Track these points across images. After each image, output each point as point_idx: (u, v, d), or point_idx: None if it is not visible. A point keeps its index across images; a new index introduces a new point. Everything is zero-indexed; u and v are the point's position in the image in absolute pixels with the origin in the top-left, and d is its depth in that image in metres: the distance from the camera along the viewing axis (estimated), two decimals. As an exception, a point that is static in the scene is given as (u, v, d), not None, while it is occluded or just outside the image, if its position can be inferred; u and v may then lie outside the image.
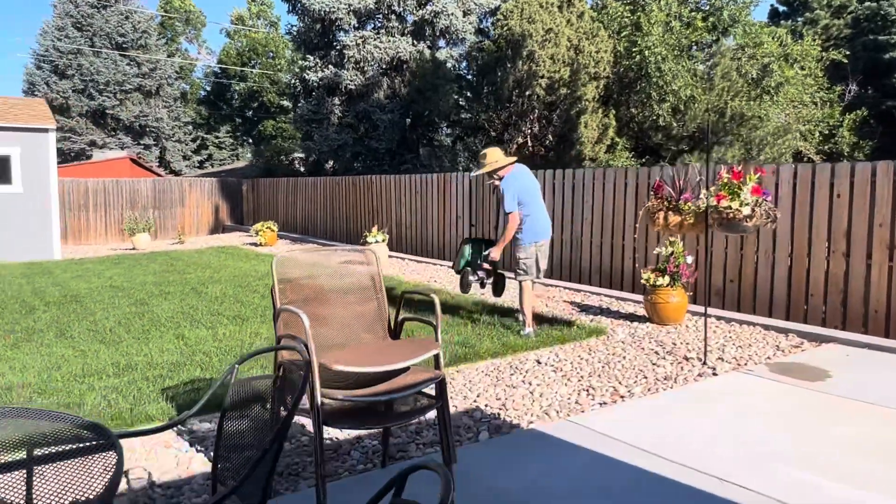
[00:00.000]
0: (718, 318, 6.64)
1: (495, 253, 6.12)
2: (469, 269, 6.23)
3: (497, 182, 6.10)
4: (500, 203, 6.11)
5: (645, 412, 4.12)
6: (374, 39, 18.55)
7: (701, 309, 6.92)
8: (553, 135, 19.55)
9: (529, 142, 20.21)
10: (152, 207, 18.12)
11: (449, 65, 18.85)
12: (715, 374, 4.92)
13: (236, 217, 19.49)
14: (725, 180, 4.82)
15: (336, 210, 15.00)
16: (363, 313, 3.21)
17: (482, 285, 6.42)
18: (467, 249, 6.31)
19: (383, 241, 10.85)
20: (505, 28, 17.85)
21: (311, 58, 19.37)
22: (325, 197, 15.45)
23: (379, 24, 19.25)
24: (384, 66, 18.67)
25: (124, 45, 37.24)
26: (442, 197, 11.80)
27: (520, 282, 6.12)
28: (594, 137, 19.54)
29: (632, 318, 6.71)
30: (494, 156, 6.11)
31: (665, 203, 5.17)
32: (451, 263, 10.45)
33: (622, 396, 4.50)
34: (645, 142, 21.98)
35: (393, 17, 19.08)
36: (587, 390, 4.62)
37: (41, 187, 12.42)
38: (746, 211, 4.64)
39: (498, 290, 6.40)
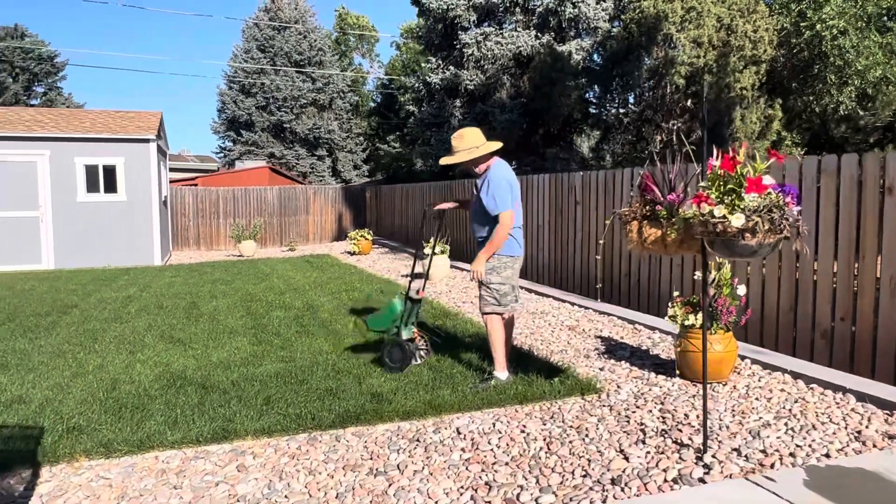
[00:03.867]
0: (796, 375, 4.54)
1: (478, 263, 4.36)
2: (398, 336, 4.75)
3: (477, 170, 4.51)
4: (481, 201, 4.39)
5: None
6: (496, 35, 17.32)
7: (776, 360, 4.85)
8: (702, 130, 16.90)
9: (674, 139, 17.65)
10: (277, 215, 18.49)
11: (578, 57, 17.02)
12: (702, 481, 3.07)
13: (359, 224, 19.30)
14: (717, 172, 2.96)
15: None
16: None
17: (416, 358, 4.89)
18: (399, 307, 4.82)
19: (443, 252, 9.59)
20: (637, 11, 15.66)
21: (434, 59, 18.64)
22: (427, 203, 14.52)
23: (501, 19, 17.99)
24: (505, 63, 17.36)
25: (301, 63, 39.54)
26: (525, 202, 10.25)
27: (486, 315, 4.47)
28: (754, 132, 16.55)
29: (663, 367, 4.82)
30: (475, 138, 4.43)
31: (643, 210, 3.38)
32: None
33: (514, 509, 2.88)
34: (827, 135, 18.31)
35: (517, 9, 17.71)
36: (474, 491, 3.05)
37: (143, 196, 12.89)
38: (738, 222, 2.76)
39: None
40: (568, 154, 18.50)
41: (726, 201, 2.93)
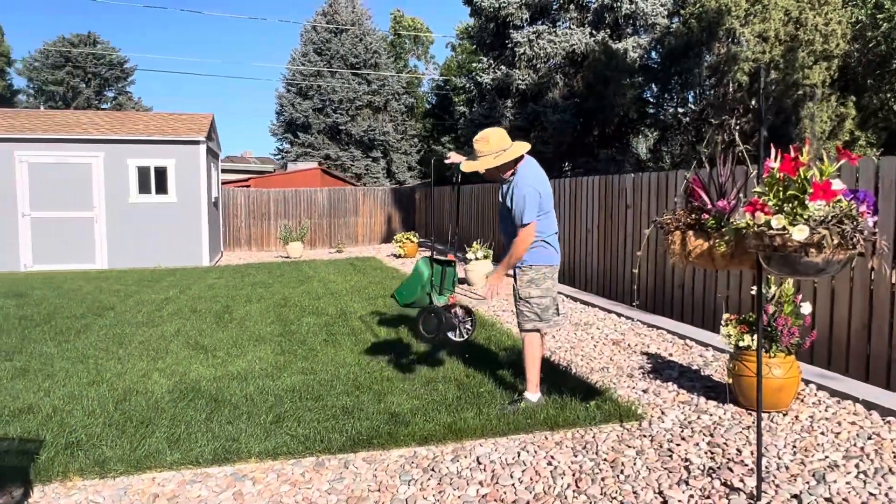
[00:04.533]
0: (870, 405, 4.00)
1: (496, 278, 4.02)
2: (432, 304, 4.42)
3: (503, 175, 4.05)
4: (510, 209, 3.99)
5: None
6: (549, 33, 16.84)
7: (846, 387, 4.31)
8: (767, 129, 15.95)
9: (737, 139, 16.81)
10: (327, 216, 18.49)
11: (635, 55, 16.38)
12: (754, 537, 2.64)
13: (408, 226, 19.12)
14: (776, 175, 2.53)
15: (484, 219, 13.64)
16: None
17: (457, 332, 4.55)
18: (425, 271, 4.52)
19: (486, 257, 9.24)
20: (697, 5, 14.91)
21: (485, 59, 18.30)
22: (474, 205, 14.18)
23: (555, 17, 17.50)
24: (558, 62, 16.87)
25: (357, 65, 39.73)
26: (572, 206, 9.80)
27: (525, 332, 4.09)
28: (824, 131, 15.54)
29: (715, 391, 4.34)
30: (501, 140, 3.98)
31: (687, 218, 2.96)
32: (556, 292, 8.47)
33: (531, 561, 2.51)
34: (906, 135, 17.05)
35: (571, 6, 17.19)
36: (487, 535, 2.70)
37: (192, 197, 13.00)
38: (801, 235, 2.32)
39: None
40: (623, 155, 17.85)
41: (787, 210, 2.50)
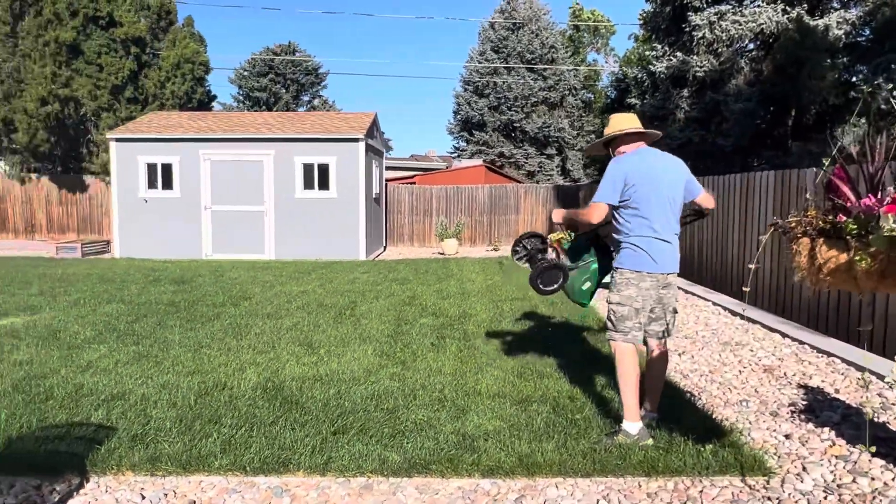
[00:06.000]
0: None
1: (556, 213, 4.05)
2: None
3: (617, 153, 3.72)
4: None
5: None
6: (733, 13, 15.16)
7: None
8: None
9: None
10: (487, 213, 18.31)
11: (840, 31, 14.20)
12: None
13: (570, 225, 18.33)
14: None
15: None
16: None
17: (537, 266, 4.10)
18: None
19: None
20: (921, -33, 12.49)
21: (659, 46, 16.98)
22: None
23: (742, -6, 15.71)
24: (744, 45, 15.14)
25: (533, 61, 39.32)
26: (742, 206, 8.59)
27: (610, 343, 3.56)
28: None
29: (888, 445, 3.34)
30: (622, 122, 3.68)
31: (819, 220, 2.16)
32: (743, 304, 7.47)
33: None
34: None
35: (762, -19, 15.33)
36: None
37: (351, 193, 13.41)
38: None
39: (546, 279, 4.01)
40: (823, 148, 15.56)
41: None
